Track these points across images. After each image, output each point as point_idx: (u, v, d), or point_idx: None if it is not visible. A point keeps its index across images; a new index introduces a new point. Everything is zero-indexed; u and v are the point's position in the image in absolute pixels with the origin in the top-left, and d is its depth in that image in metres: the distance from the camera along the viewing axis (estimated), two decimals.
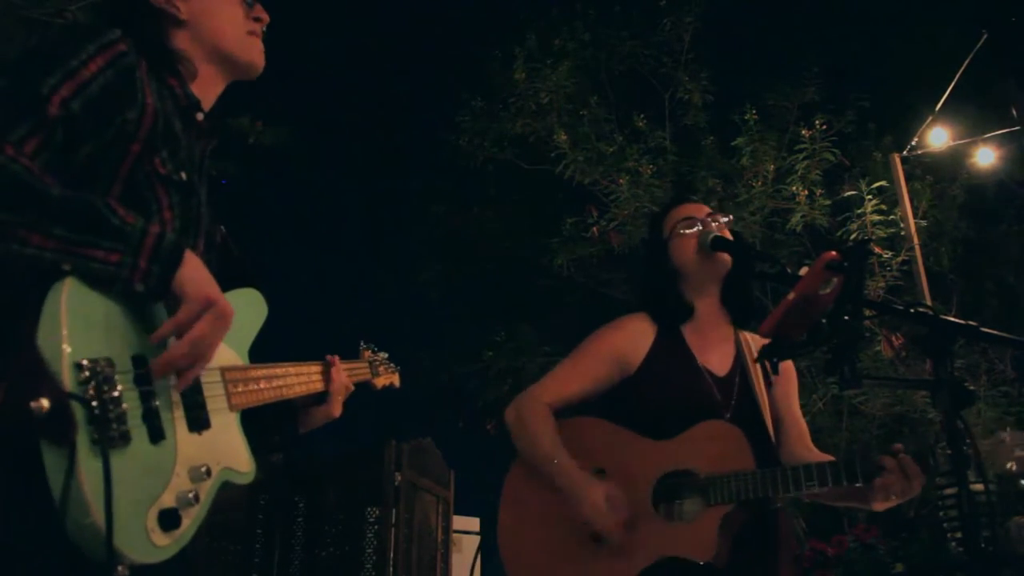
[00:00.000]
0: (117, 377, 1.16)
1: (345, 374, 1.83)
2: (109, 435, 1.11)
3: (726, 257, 2.16)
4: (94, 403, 1.10)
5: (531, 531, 2.10)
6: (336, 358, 1.82)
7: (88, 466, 1.07)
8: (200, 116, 1.49)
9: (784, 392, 2.23)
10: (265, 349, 1.59)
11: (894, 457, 1.82)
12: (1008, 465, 1.70)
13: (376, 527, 5.49)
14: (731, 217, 2.31)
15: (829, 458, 2.00)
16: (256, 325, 1.58)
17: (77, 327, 1.12)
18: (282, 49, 1.64)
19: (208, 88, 1.53)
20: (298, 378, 1.67)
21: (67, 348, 1.10)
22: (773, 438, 2.14)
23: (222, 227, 1.62)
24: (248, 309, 1.57)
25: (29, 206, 1.13)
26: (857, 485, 1.85)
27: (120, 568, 1.09)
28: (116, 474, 1.10)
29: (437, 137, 10.98)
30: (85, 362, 1.11)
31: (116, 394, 1.14)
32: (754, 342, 2.25)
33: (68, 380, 1.09)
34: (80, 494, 1.06)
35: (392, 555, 5.39)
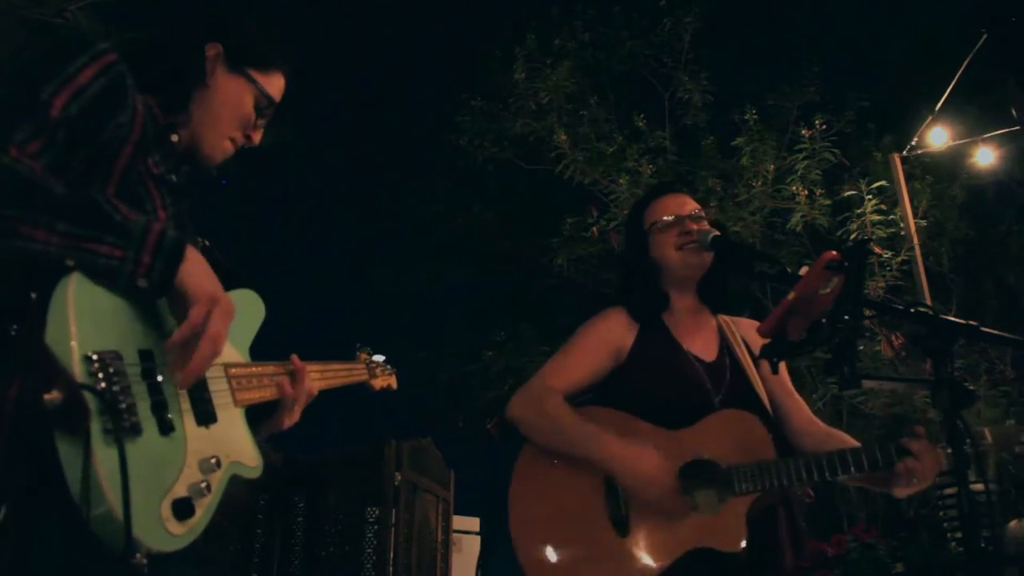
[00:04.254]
0: (125, 370, 1.18)
1: (309, 380, 1.67)
2: (122, 425, 1.13)
3: (709, 255, 2.15)
4: (106, 393, 1.12)
5: (549, 533, 2.02)
6: (300, 364, 1.65)
7: (103, 454, 1.09)
8: (175, 138, 1.52)
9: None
10: (264, 349, 1.60)
11: (918, 440, 1.82)
12: (1017, 449, 1.72)
13: (376, 527, 5.49)
14: (715, 206, 2.31)
15: (841, 437, 2.01)
16: (255, 325, 1.60)
17: (84, 321, 1.15)
18: (282, 100, 1.67)
19: (182, 135, 1.56)
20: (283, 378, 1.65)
21: (76, 341, 1.12)
22: (772, 416, 2.14)
23: (205, 241, 1.64)
24: (247, 309, 1.59)
25: (34, 203, 1.16)
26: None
27: (138, 556, 1.12)
28: (130, 464, 1.12)
29: (437, 137, 11.00)
30: (94, 355, 1.14)
31: (125, 386, 1.17)
32: (734, 324, 2.26)
33: (79, 372, 1.11)
34: (96, 481, 1.08)
35: (392, 555, 5.39)
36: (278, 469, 5.65)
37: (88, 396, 1.10)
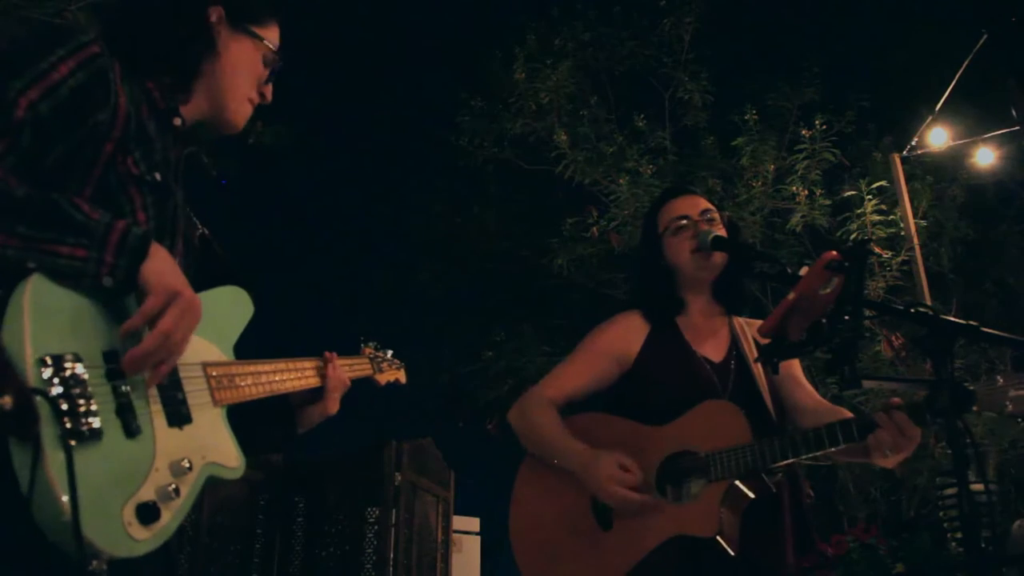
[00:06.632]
0: (86, 372, 1.15)
1: (343, 370, 1.80)
2: (76, 429, 1.10)
3: (721, 255, 2.17)
4: (59, 398, 1.09)
5: (540, 529, 2.13)
6: (333, 354, 1.80)
7: (54, 460, 1.07)
8: (178, 121, 1.48)
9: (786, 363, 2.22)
10: (264, 349, 1.59)
11: (887, 413, 1.83)
12: (1007, 406, 1.70)
13: (376, 527, 5.49)
14: (728, 213, 2.31)
15: (837, 412, 2.02)
16: (241, 323, 1.57)
17: (41, 323, 1.12)
18: (282, 49, 1.64)
19: (191, 111, 1.53)
20: (289, 374, 1.65)
21: (30, 344, 1.10)
22: (773, 413, 2.15)
23: (204, 230, 1.61)
24: (233, 306, 1.56)
25: None
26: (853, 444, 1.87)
27: (95, 562, 1.09)
28: (87, 468, 1.09)
29: (437, 137, 11.00)
30: (48, 358, 1.11)
31: (84, 389, 1.13)
32: (748, 326, 2.27)
33: (31, 376, 1.08)
34: (46, 489, 1.06)
35: (392, 555, 5.40)
36: (278, 469, 5.66)
37: (39, 401, 1.07)
